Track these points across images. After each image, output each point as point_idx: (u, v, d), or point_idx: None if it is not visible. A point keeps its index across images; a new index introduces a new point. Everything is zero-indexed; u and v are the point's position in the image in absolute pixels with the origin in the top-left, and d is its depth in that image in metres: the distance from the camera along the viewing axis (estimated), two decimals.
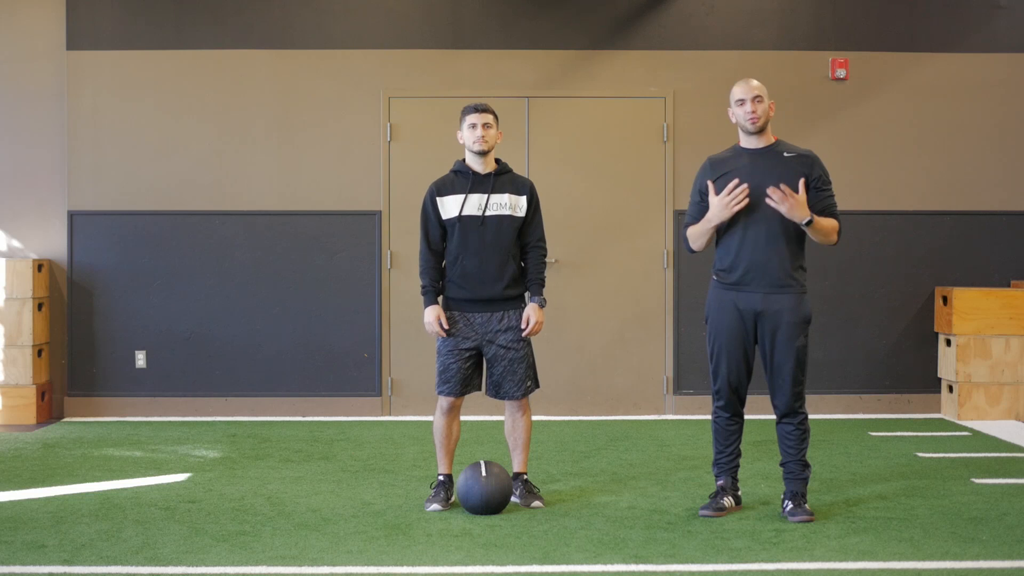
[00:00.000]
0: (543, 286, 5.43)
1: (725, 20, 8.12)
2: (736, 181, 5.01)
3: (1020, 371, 7.83)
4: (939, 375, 8.11)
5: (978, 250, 8.18)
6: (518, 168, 8.02)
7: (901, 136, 8.17)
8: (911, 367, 8.18)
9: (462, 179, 5.34)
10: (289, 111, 8.04)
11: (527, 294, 5.43)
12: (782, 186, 4.93)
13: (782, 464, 5.19)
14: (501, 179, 5.36)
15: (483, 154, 5.31)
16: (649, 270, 8.11)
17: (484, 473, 5.16)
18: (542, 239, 5.46)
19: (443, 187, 5.37)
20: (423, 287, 5.35)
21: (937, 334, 8.14)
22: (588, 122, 8.10)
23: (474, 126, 5.27)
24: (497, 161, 5.41)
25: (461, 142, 5.35)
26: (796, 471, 5.15)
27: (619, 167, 8.10)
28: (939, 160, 8.19)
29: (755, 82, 5.12)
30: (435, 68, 8.07)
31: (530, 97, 8.08)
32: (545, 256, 5.47)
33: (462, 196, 5.30)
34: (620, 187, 8.10)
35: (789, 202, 4.92)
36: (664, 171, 8.08)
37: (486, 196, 5.30)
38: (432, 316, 5.30)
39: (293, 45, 8.04)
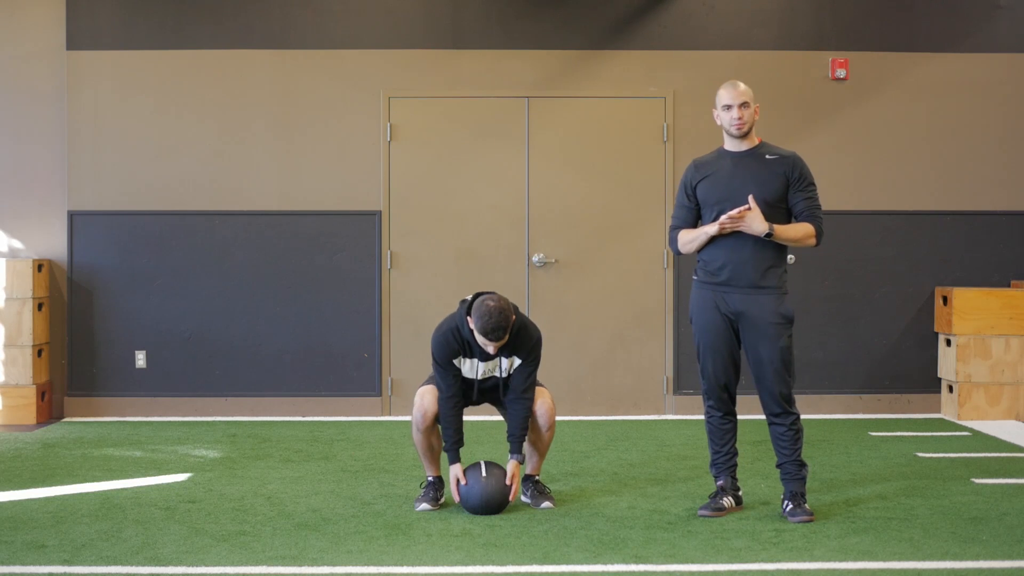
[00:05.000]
0: (522, 442, 5.22)
1: (725, 20, 8.12)
2: (741, 209, 4.98)
3: (1020, 371, 7.83)
4: (939, 375, 8.11)
5: (978, 250, 8.18)
6: (518, 170, 8.06)
7: (901, 136, 8.17)
8: (911, 367, 8.18)
9: (472, 348, 5.15)
10: (289, 111, 8.04)
11: (509, 451, 5.24)
12: (729, 214, 4.95)
13: (778, 465, 5.18)
14: (507, 348, 5.16)
15: None
16: (649, 270, 8.11)
17: (484, 474, 5.16)
18: (529, 391, 5.22)
19: (455, 350, 5.15)
20: (446, 446, 5.21)
21: (937, 334, 8.14)
22: (588, 122, 8.10)
23: (487, 344, 5.03)
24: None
25: (470, 327, 5.06)
26: (793, 471, 5.14)
27: (619, 167, 8.10)
28: (939, 160, 8.18)
29: (742, 86, 5.12)
30: (435, 68, 8.07)
31: (530, 97, 8.08)
32: (530, 412, 5.23)
33: (474, 363, 5.20)
34: (620, 187, 8.10)
35: (743, 221, 4.95)
36: (664, 171, 8.08)
37: (496, 362, 5.21)
38: (452, 477, 5.20)
39: (293, 45, 8.04)
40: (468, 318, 5.08)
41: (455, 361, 5.20)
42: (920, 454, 6.60)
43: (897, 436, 7.23)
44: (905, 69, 8.15)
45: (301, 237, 8.05)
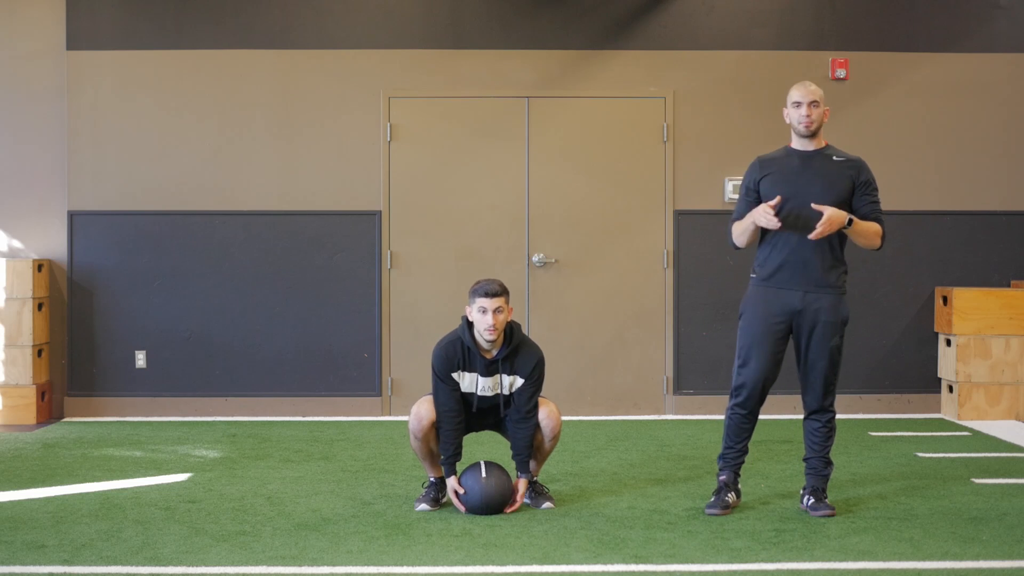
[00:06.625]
0: (528, 461, 5.25)
1: (725, 20, 8.12)
2: (779, 199, 4.99)
3: (1020, 371, 7.83)
4: (939, 375, 8.11)
5: (978, 250, 8.18)
6: (518, 168, 8.06)
7: (901, 136, 8.17)
8: (911, 367, 8.18)
9: (472, 360, 5.18)
10: (289, 111, 8.04)
11: (517, 471, 5.26)
12: (816, 220, 4.99)
13: (805, 459, 5.26)
14: (508, 362, 5.18)
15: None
16: (649, 270, 8.11)
17: (484, 474, 5.17)
18: (532, 413, 5.20)
19: (455, 361, 5.16)
20: (444, 458, 5.21)
21: (937, 334, 8.14)
22: (588, 122, 8.10)
23: (484, 311, 5.05)
24: (507, 336, 5.18)
25: (469, 318, 5.13)
26: (819, 468, 5.21)
27: (619, 167, 8.10)
28: (939, 160, 8.18)
29: (813, 86, 5.13)
30: (435, 68, 8.07)
31: (530, 97, 8.08)
32: (533, 433, 5.23)
33: (475, 377, 5.20)
34: (620, 187, 8.10)
35: (827, 226, 4.93)
36: (664, 171, 8.08)
37: (497, 379, 5.20)
38: (449, 490, 5.22)
39: (293, 45, 8.04)
40: (468, 324, 5.15)
41: (455, 375, 5.20)
42: (920, 454, 6.60)
43: (897, 436, 7.23)
44: (905, 69, 8.15)
45: (301, 237, 8.05)
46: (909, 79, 8.16)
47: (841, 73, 8.09)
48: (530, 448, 5.26)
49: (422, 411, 5.22)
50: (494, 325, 5.07)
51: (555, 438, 5.30)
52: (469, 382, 5.22)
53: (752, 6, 8.14)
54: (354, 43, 8.05)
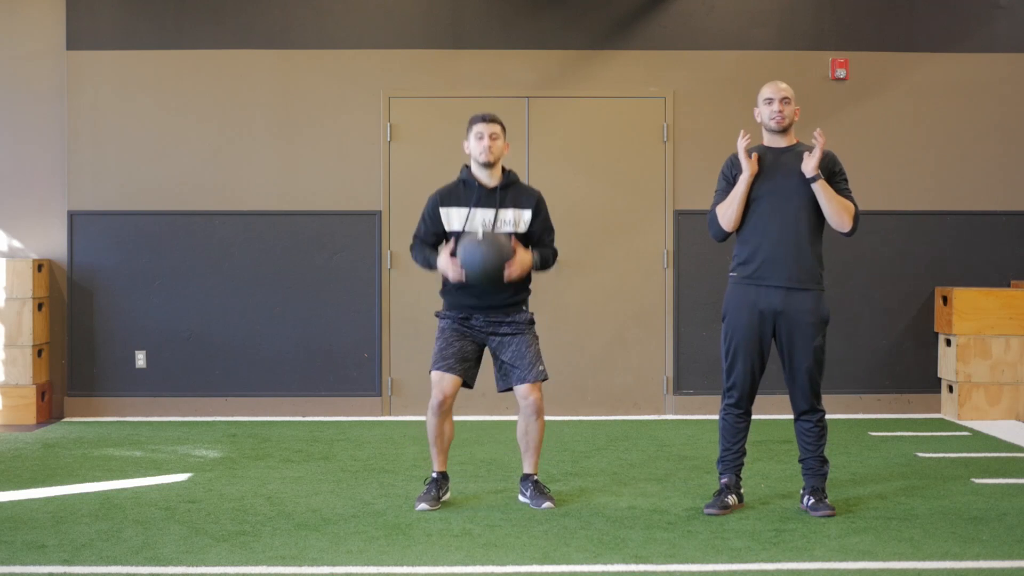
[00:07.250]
0: (543, 256, 5.38)
1: (725, 20, 8.12)
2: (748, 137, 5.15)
3: (1020, 371, 7.83)
4: (939, 375, 8.11)
5: (978, 250, 8.19)
6: (518, 170, 8.04)
7: (901, 136, 8.17)
8: (911, 367, 8.18)
9: (468, 191, 5.30)
10: (289, 111, 8.04)
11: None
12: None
13: (801, 460, 5.27)
14: (507, 193, 5.30)
15: (489, 165, 5.26)
16: (649, 270, 8.11)
17: (480, 237, 5.11)
18: (552, 243, 5.45)
19: (447, 196, 5.33)
20: (424, 258, 5.35)
21: (937, 334, 8.14)
22: (588, 122, 8.10)
23: (481, 136, 5.23)
24: (504, 172, 5.34)
25: (467, 152, 5.31)
26: (815, 467, 5.22)
27: (619, 167, 8.10)
28: (939, 160, 8.19)
29: (784, 84, 5.22)
30: (435, 68, 8.07)
31: (530, 97, 8.08)
32: (553, 251, 5.44)
33: (466, 210, 5.27)
34: (620, 187, 8.10)
35: (820, 151, 5.05)
36: (664, 171, 8.08)
37: (493, 212, 5.26)
38: (444, 260, 5.23)
39: (293, 45, 8.04)
40: (467, 167, 5.33)
41: (443, 211, 5.29)
42: (920, 454, 6.60)
43: (897, 436, 7.23)
44: (905, 69, 8.15)
45: (301, 237, 8.05)
46: (909, 79, 8.16)
47: (841, 73, 8.09)
48: (547, 252, 5.37)
49: (445, 385, 5.23)
50: (489, 148, 5.21)
51: (539, 414, 5.26)
52: (458, 219, 5.27)
53: (752, 6, 8.14)
54: (354, 43, 8.05)
